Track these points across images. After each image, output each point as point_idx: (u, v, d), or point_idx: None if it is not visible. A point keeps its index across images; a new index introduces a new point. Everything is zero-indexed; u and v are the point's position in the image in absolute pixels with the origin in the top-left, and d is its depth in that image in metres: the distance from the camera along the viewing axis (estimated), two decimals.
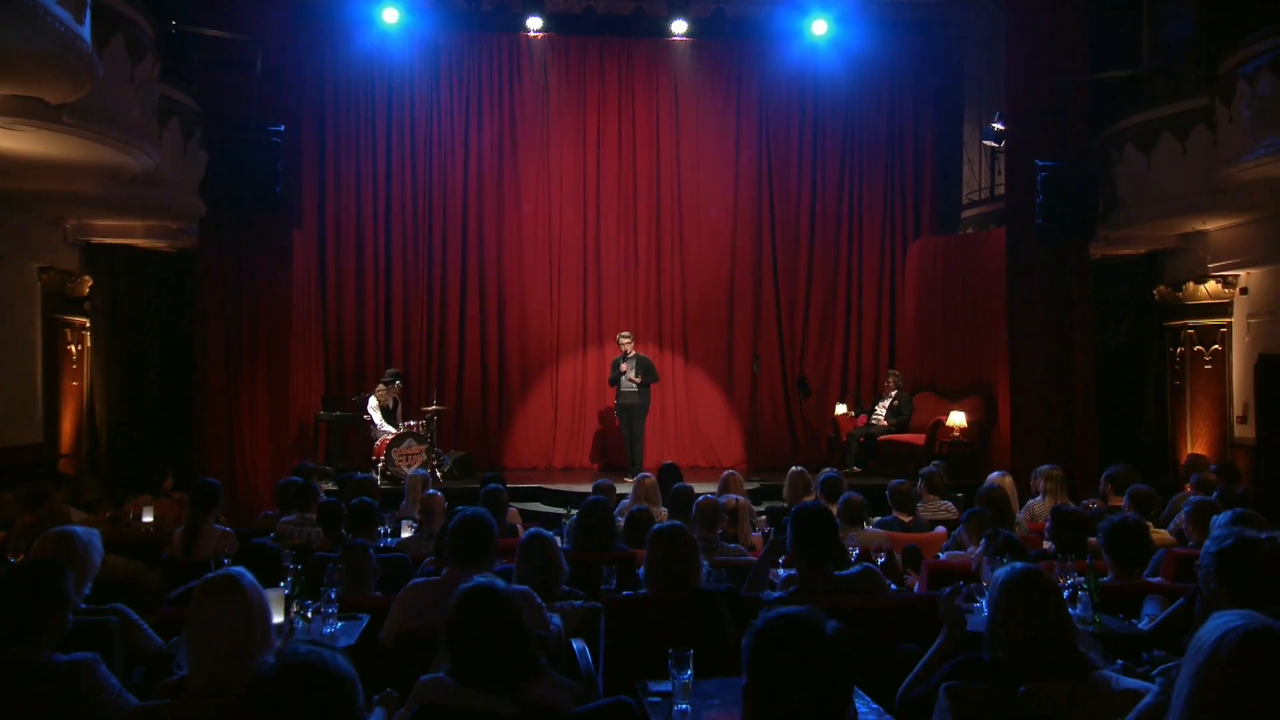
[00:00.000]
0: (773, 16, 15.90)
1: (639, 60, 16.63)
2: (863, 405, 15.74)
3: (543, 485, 13.61)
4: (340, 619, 4.84)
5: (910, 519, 8.68)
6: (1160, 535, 7.41)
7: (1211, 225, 12.56)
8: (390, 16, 14.60)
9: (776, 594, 4.60)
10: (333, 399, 15.25)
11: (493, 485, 8.62)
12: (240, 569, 3.29)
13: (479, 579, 3.40)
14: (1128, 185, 12.50)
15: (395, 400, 14.33)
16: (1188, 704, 2.32)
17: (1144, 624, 4.88)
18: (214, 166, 11.64)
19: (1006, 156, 13.44)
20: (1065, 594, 5.01)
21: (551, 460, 16.19)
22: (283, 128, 11.57)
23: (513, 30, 16.10)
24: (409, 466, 13.24)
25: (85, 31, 7.56)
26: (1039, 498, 9.32)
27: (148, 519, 9.25)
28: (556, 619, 5.03)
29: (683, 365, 16.68)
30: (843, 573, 4.90)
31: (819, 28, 15.07)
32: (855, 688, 3.76)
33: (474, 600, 3.27)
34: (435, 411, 14.31)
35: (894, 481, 8.90)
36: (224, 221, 11.85)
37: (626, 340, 14.35)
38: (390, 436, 13.64)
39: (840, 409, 15.70)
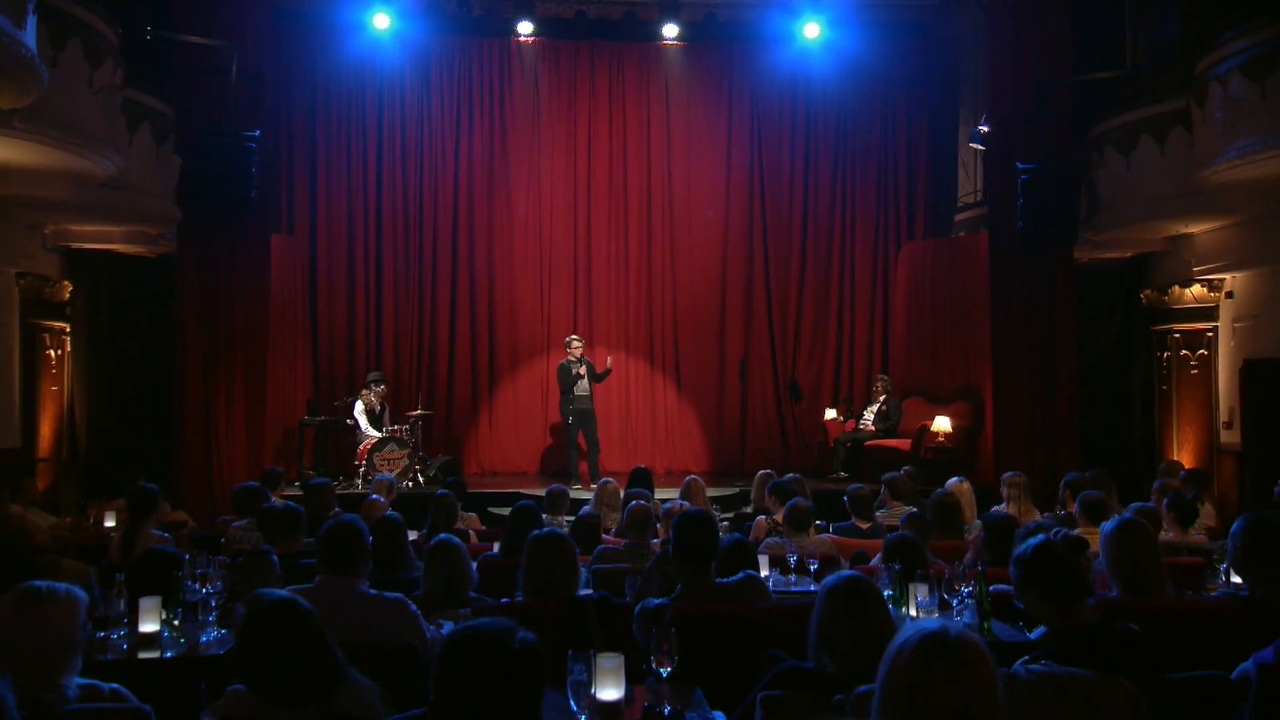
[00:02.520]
0: (765, 20, 15.80)
1: (630, 64, 16.58)
2: (854, 410, 15.63)
3: (521, 490, 13.54)
4: (224, 627, 4.80)
5: (868, 525, 8.59)
6: None
7: (1195, 228, 12.43)
8: (381, 22, 14.52)
9: (656, 602, 4.54)
10: (318, 403, 15.22)
11: (442, 491, 8.58)
12: (50, 581, 3.26)
13: (277, 592, 3.34)
14: (1108, 187, 12.40)
15: (381, 404, 14.31)
16: (877, 709, 2.29)
17: (1039, 632, 4.78)
18: (188, 172, 11.66)
19: (989, 159, 13.34)
20: (956, 602, 4.94)
21: (542, 465, 16.12)
22: (258, 132, 11.59)
23: (503, 35, 16.08)
24: (391, 471, 13.24)
25: (28, 37, 7.58)
26: (1003, 505, 9.22)
27: (110, 523, 9.29)
28: (450, 627, 4.98)
29: (673, 369, 16.61)
30: (724, 580, 4.83)
31: (811, 31, 14.89)
32: (700, 696, 3.73)
33: (261, 615, 3.20)
34: (420, 416, 14.29)
35: (852, 487, 8.85)
36: (200, 226, 11.88)
37: (578, 344, 14.28)
38: (373, 441, 13.62)
39: (830, 414, 15.59)
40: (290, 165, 15.71)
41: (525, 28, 15.34)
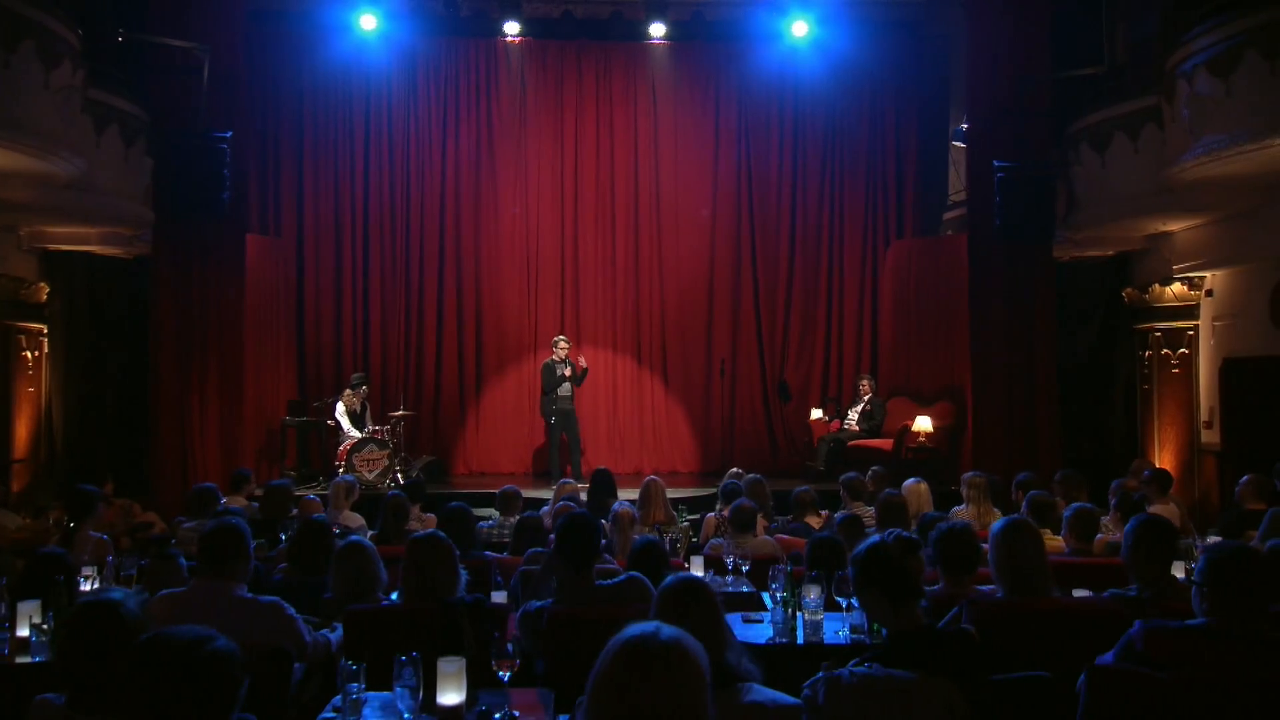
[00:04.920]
0: (752, 18, 15.69)
1: (617, 64, 16.51)
2: (841, 410, 15.54)
3: (495, 492, 13.49)
4: None
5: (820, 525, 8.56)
6: (1054, 543, 7.18)
7: (1173, 226, 12.31)
8: (368, 23, 14.52)
9: (536, 604, 4.50)
10: (302, 404, 15.23)
11: (394, 492, 8.59)
12: None
13: (114, 593, 3.31)
14: (1084, 185, 12.31)
15: (364, 405, 14.30)
16: (584, 710, 2.27)
17: None
18: (160, 174, 11.69)
19: (968, 157, 13.24)
20: (845, 602, 4.88)
21: (528, 466, 16.09)
22: (230, 134, 11.60)
23: (490, 35, 16.03)
24: (370, 472, 13.24)
25: None
26: (963, 505, 9.14)
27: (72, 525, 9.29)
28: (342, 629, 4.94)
29: (661, 370, 16.55)
30: (606, 581, 4.78)
31: (799, 29, 14.80)
32: (549, 700, 3.68)
33: (85, 617, 3.17)
34: (401, 417, 14.27)
35: (796, 489, 8.81)
36: (174, 228, 11.94)
37: (564, 345, 14.25)
38: (352, 441, 13.60)
39: (816, 414, 15.49)
40: (277, 167, 15.74)
41: (512, 28, 15.30)
